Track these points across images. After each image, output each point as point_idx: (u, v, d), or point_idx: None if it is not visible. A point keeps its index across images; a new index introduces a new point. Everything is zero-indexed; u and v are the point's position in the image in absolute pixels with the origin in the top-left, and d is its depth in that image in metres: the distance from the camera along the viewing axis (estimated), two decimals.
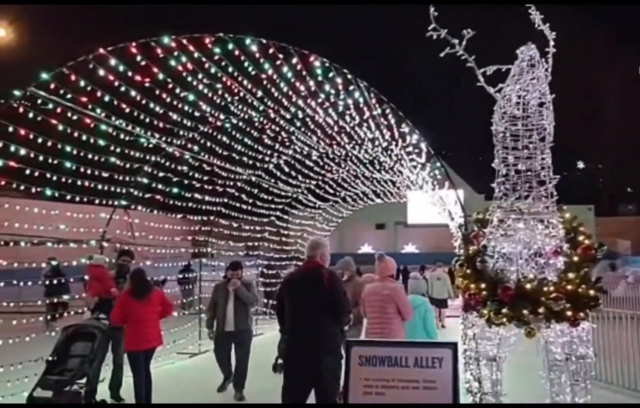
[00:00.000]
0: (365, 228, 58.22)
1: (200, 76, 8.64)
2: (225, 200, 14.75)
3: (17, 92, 7.30)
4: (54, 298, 11.58)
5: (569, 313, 4.85)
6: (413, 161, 9.34)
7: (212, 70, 8.35)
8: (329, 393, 5.55)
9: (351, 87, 7.76)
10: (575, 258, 5.13)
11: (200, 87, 8.91)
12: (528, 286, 4.98)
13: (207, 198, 13.76)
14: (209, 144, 11.59)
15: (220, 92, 9.32)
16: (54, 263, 12.11)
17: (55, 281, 11.02)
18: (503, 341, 5.41)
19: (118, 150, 9.76)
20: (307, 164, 15.64)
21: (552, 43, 5.70)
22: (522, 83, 5.54)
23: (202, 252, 16.19)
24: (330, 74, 7.48)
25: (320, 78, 8.04)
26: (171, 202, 12.41)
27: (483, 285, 5.09)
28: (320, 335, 5.42)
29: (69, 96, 7.85)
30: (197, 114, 10.06)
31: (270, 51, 7.54)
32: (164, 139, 10.47)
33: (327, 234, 24.18)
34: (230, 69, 8.39)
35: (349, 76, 7.28)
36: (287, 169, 15.45)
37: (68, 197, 9.44)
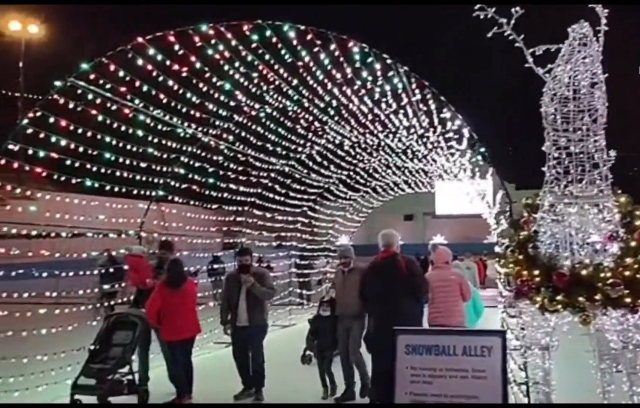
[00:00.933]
0: (394, 219, 57.68)
1: (236, 65, 8.60)
2: (259, 190, 14.76)
3: (57, 83, 7.37)
4: (109, 287, 11.80)
5: (628, 299, 4.65)
6: (451, 149, 9.17)
7: (249, 58, 8.31)
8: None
9: (390, 73, 7.62)
10: (633, 243, 4.91)
11: (237, 76, 8.87)
12: (584, 272, 4.78)
13: (241, 188, 13.79)
14: (243, 134, 11.58)
15: (255, 81, 9.28)
16: (112, 253, 12.43)
17: (111, 270, 11.17)
18: (556, 329, 5.24)
19: (155, 140, 9.82)
20: (339, 154, 15.54)
21: (604, 21, 5.46)
22: (573, 63, 5.32)
23: (233, 243, 16.26)
24: (369, 60, 7.35)
25: (358, 64, 7.91)
26: (206, 192, 12.47)
27: (536, 272, 4.92)
28: (403, 313, 6.22)
29: (108, 86, 7.91)
30: (232, 103, 10.05)
31: (309, 37, 7.44)
32: (199, 129, 10.49)
33: (357, 226, 24.08)
34: (266, 57, 8.34)
35: (389, 61, 7.14)
36: (319, 159, 15.38)
37: (107, 188, 9.54)
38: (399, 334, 5.72)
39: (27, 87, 38.12)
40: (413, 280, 6.49)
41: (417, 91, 7.90)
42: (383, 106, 9.90)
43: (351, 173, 17.75)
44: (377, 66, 7.61)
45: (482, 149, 6.80)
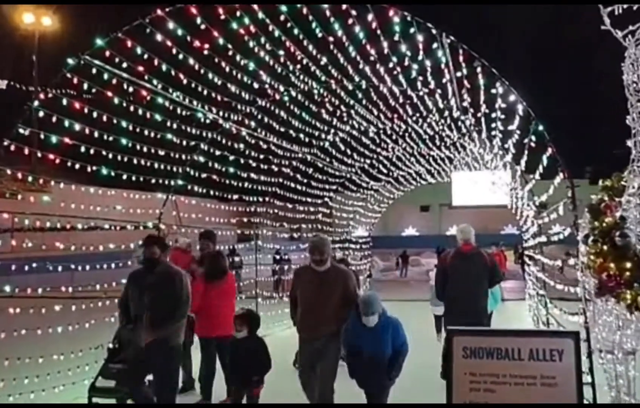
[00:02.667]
0: (410, 210, 57.19)
1: (262, 41, 7.95)
2: (280, 180, 14.15)
3: (70, 61, 6.78)
4: None
5: None
6: (493, 131, 8.47)
7: (276, 33, 7.65)
8: None
9: (434, 45, 6.92)
10: None
11: (262, 53, 8.22)
12: None
13: (262, 177, 13.16)
14: (266, 119, 10.96)
15: (282, 59, 8.61)
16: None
17: None
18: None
19: (174, 126, 9.22)
20: (363, 142, 14.88)
21: None
22: None
23: (249, 235, 15.66)
24: (411, 30, 6.66)
25: (397, 36, 7.21)
26: (226, 182, 11.88)
27: (628, 264, 4.23)
28: (480, 299, 7.30)
29: (124, 65, 7.30)
30: (255, 86, 9.40)
31: (344, 7, 6.77)
32: (221, 114, 9.88)
33: (378, 215, 23.42)
34: (295, 32, 7.67)
35: (434, 32, 6.44)
36: (342, 147, 14.72)
37: (124, 177, 8.98)
38: (454, 335, 5.07)
39: (41, 81, 37.85)
40: (493, 271, 7.47)
41: (463, 65, 7.19)
42: (418, 85, 9.19)
43: (374, 162, 17.08)
44: (420, 38, 6.91)
45: (540, 127, 6.09)
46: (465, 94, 8.40)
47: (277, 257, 21.55)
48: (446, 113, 10.67)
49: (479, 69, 6.69)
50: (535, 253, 12.19)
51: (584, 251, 4.95)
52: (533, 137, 6.73)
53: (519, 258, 29.64)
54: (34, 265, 8.74)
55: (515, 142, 8.13)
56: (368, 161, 16.87)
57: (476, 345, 4.90)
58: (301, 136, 12.55)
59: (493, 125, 8.79)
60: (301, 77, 9.50)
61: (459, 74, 7.61)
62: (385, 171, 18.30)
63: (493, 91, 7.08)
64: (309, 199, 16.48)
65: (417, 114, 11.77)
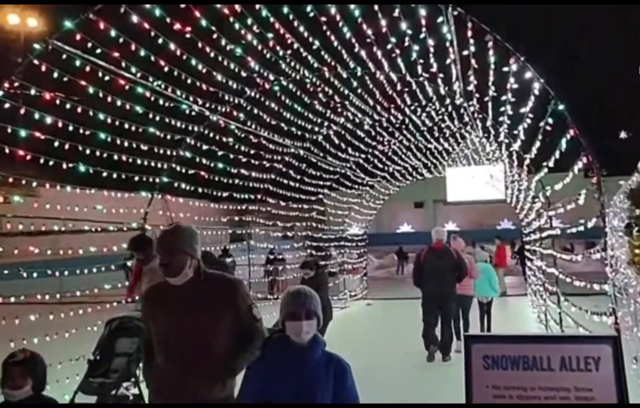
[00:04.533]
0: (404, 207, 56.72)
1: (249, 22, 7.31)
2: (272, 176, 13.51)
3: (37, 46, 6.11)
4: None
5: None
6: (501, 117, 7.88)
7: (264, 13, 7.01)
8: (450, 315, 9.61)
9: (439, 20, 6.31)
10: None
11: (249, 36, 7.57)
12: None
13: (253, 174, 12.51)
14: (256, 111, 10.31)
15: (271, 43, 7.97)
16: None
17: None
18: None
19: (157, 118, 8.57)
20: (357, 135, 14.28)
21: None
22: None
23: (241, 234, 15.02)
24: (412, 5, 6.06)
25: (397, 12, 6.59)
26: (215, 179, 11.24)
27: None
28: (447, 285, 9.32)
29: (98, 50, 6.64)
30: (243, 74, 8.77)
31: None
32: (207, 105, 9.23)
33: (373, 212, 22.83)
34: (285, 11, 7.05)
35: (440, 5, 5.83)
36: (336, 141, 14.11)
37: (104, 174, 8.32)
38: (472, 342, 4.43)
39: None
40: (459, 265, 9.40)
41: (471, 42, 6.58)
42: (419, 70, 8.58)
43: (369, 156, 16.49)
44: (422, 13, 6.30)
45: (561, 107, 5.50)
46: (472, 76, 7.79)
47: (271, 257, 20.92)
48: (447, 101, 10.08)
49: (490, 44, 6.08)
50: (542, 247, 11.65)
51: (613, 243, 4.37)
52: (550, 120, 6.14)
53: (517, 253, 29.27)
54: (6, 271, 8.09)
55: (527, 127, 7.54)
56: (363, 156, 16.28)
57: (499, 353, 4.26)
58: (293, 129, 11.94)
59: (502, 110, 8.20)
60: (292, 64, 8.87)
61: (465, 52, 7.01)
62: (380, 166, 17.72)
63: (505, 69, 6.48)
64: (302, 196, 15.87)
65: (416, 104, 11.16)
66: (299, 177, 14.75)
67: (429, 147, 16.54)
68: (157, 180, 9.66)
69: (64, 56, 6.33)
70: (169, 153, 9.55)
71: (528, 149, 8.22)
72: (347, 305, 18.80)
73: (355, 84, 10.22)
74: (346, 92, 10.65)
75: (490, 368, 4.24)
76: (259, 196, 13.87)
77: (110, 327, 7.29)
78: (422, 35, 6.96)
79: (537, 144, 7.36)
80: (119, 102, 7.62)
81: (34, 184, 8.34)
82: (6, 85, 6.21)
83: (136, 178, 9.06)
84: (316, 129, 12.68)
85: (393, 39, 7.53)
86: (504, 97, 7.65)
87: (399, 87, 10.11)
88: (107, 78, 7.16)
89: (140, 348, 7.19)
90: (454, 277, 9.31)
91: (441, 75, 8.64)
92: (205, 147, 10.26)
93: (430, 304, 9.36)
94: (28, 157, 6.84)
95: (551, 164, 6.97)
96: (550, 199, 9.25)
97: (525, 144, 8.35)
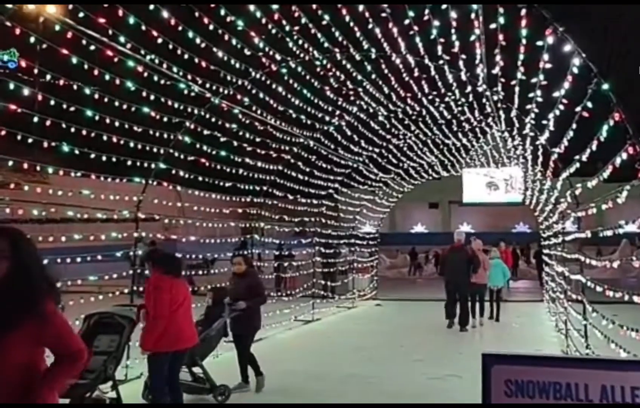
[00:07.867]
0: (418, 207, 55.86)
1: None
2: (280, 168, 12.76)
3: (9, 6, 5.41)
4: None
5: None
6: (529, 104, 7.05)
7: None
8: (464, 297, 12.84)
9: None
10: None
11: (251, 7, 6.82)
12: None
13: (259, 164, 11.76)
14: (261, 95, 9.57)
15: (276, 16, 7.22)
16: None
17: None
18: None
19: (152, 98, 7.86)
20: (371, 127, 13.48)
21: None
22: None
23: (251, 228, 14.29)
24: None
25: None
26: (217, 168, 10.52)
27: None
28: (462, 276, 12.44)
29: (81, 14, 5.94)
30: (247, 52, 8.03)
31: None
32: (207, 86, 8.50)
33: (386, 210, 22.03)
34: None
35: None
36: (349, 133, 13.32)
37: (92, 156, 7.64)
38: (492, 364, 3.63)
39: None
40: (473, 260, 12.56)
41: (500, 11, 5.76)
42: (438, 50, 7.77)
43: (383, 151, 15.67)
44: None
45: (605, 86, 4.70)
46: (498, 56, 6.95)
47: (277, 253, 20.19)
48: (469, 88, 9.25)
49: (523, 11, 5.25)
50: (565, 252, 10.77)
51: None
52: (589, 104, 5.31)
53: (534, 257, 28.16)
54: None
55: (559, 114, 6.68)
56: (377, 150, 15.46)
57: (524, 377, 3.45)
58: (302, 117, 11.17)
59: (530, 96, 7.34)
60: (300, 42, 8.11)
61: (492, 25, 6.20)
62: (395, 161, 16.87)
63: (539, 43, 5.63)
64: (312, 191, 15.11)
65: (434, 93, 10.35)
66: (308, 169, 14.00)
67: (446, 143, 15.71)
68: (153, 166, 8.94)
69: (41, 19, 5.62)
70: (165, 136, 8.84)
71: (558, 141, 7.37)
72: (355, 304, 18.06)
73: (369, 68, 9.44)
74: (359, 77, 9.88)
75: (514, 395, 3.44)
76: (265, 188, 13.14)
77: (88, 323, 6.74)
78: (444, 5, 6.16)
79: (570, 133, 6.50)
80: (107, 77, 6.92)
81: (10, 163, 7.64)
82: None
83: (129, 163, 8.36)
84: (327, 118, 11.91)
85: (411, 13, 6.74)
86: (534, 79, 6.80)
87: (416, 73, 9.30)
88: (92, 48, 6.45)
89: (119, 347, 6.58)
90: (467, 269, 12.45)
91: (463, 56, 7.81)
92: (206, 132, 9.55)
93: (449, 287, 12.74)
94: (2, 132, 6.16)
95: (585, 157, 6.15)
96: (579, 199, 8.39)
97: (555, 135, 7.49)
